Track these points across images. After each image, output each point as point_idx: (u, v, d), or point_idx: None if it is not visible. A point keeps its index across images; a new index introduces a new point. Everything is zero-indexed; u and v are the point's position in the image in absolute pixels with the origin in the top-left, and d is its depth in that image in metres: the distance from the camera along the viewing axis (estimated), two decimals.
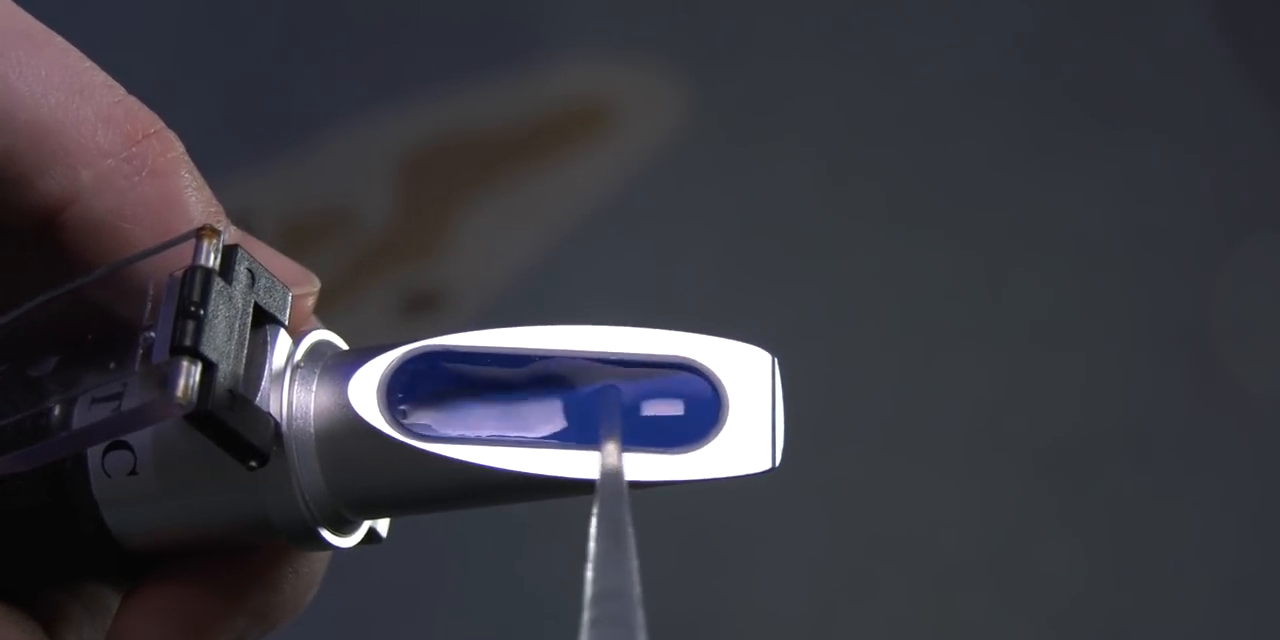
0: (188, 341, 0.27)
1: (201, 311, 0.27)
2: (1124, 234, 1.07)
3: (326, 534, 0.30)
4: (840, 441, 0.99)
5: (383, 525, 0.32)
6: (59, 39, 0.30)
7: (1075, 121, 1.10)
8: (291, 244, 1.03)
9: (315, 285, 0.32)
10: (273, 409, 0.29)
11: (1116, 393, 1.02)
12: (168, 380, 0.27)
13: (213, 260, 0.28)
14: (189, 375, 0.27)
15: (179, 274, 0.28)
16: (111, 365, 0.30)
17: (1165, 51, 1.12)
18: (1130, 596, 0.98)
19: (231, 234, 0.31)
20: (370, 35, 1.11)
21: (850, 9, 1.12)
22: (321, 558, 0.32)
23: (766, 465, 0.29)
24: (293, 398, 0.29)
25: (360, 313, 1.00)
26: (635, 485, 0.28)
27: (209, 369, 0.27)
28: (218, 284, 0.28)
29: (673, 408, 0.30)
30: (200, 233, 0.28)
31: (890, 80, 1.10)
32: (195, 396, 0.27)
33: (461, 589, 0.96)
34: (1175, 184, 1.08)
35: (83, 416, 0.30)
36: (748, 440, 0.29)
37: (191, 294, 0.27)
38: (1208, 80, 1.11)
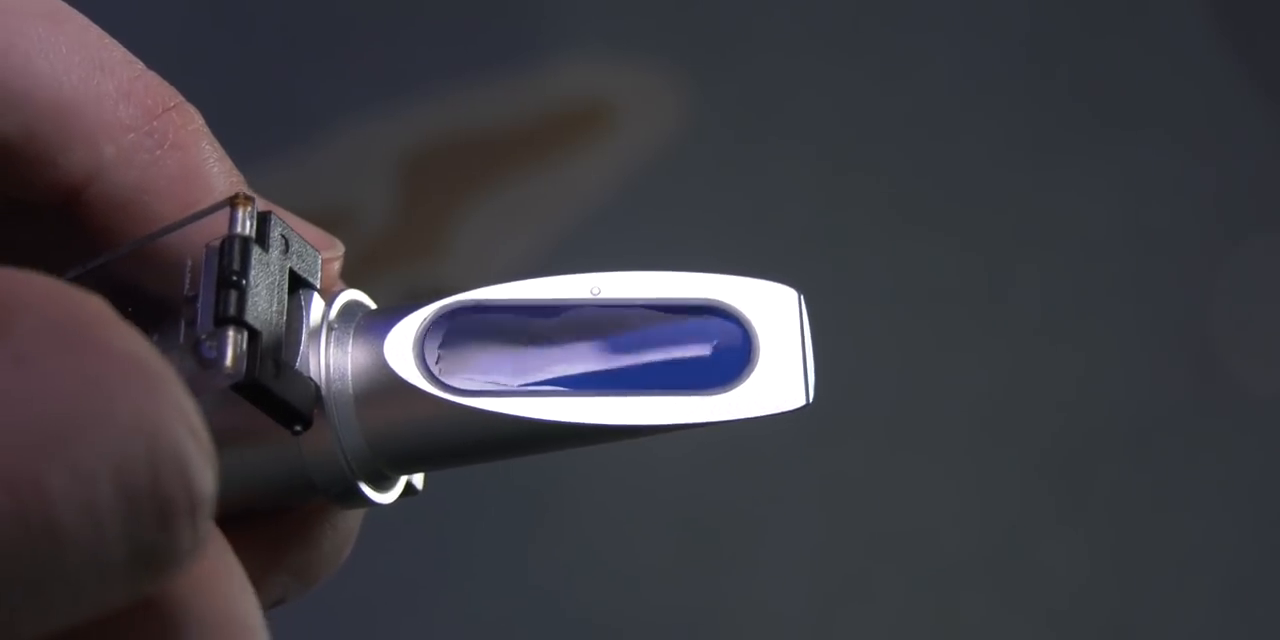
0: (232, 311, 0.27)
1: (243, 280, 0.27)
2: (1124, 234, 1.07)
3: (368, 491, 0.30)
4: (840, 439, 0.99)
5: (419, 479, 0.32)
6: (79, 16, 0.30)
7: (1076, 121, 1.10)
8: None
9: (340, 249, 0.33)
10: (311, 371, 0.29)
11: (1117, 392, 1.02)
12: (216, 350, 0.27)
13: (249, 228, 0.28)
14: (236, 345, 0.27)
15: (216, 244, 0.28)
16: (153, 338, 0.30)
17: (1165, 51, 1.12)
18: (1130, 596, 0.98)
19: (260, 200, 0.31)
20: (370, 35, 1.11)
21: (850, 8, 1.12)
22: (357, 514, 0.32)
23: (801, 402, 0.30)
24: (329, 359, 0.30)
25: None
26: (671, 429, 0.29)
27: (254, 338, 0.27)
28: (256, 252, 0.28)
29: (703, 350, 0.30)
30: (234, 201, 0.28)
31: (890, 80, 1.10)
32: (244, 366, 0.27)
33: (465, 583, 0.96)
34: (1175, 184, 1.08)
35: None
36: (780, 378, 0.30)
37: (232, 263, 0.27)
38: (1208, 80, 1.11)
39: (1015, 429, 1.01)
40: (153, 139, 0.30)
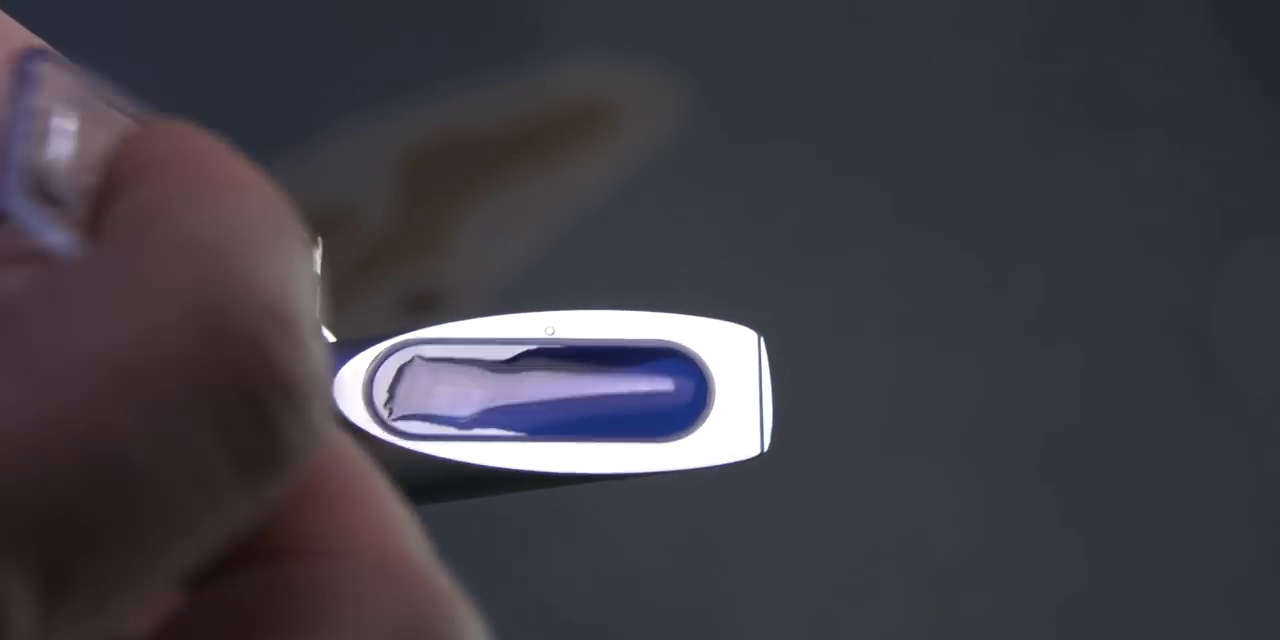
0: None
1: None
2: (1124, 234, 1.07)
3: None
4: (840, 440, 0.99)
5: None
6: (51, 51, 0.29)
7: (1075, 121, 1.10)
8: None
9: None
10: None
11: (1117, 392, 1.02)
12: None
13: None
14: None
15: None
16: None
17: (1165, 52, 1.12)
18: (1130, 596, 0.98)
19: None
20: (370, 35, 1.11)
21: (850, 9, 1.12)
22: None
23: (755, 451, 0.29)
24: None
25: (360, 312, 1.00)
26: (623, 478, 0.28)
27: None
28: None
29: (658, 395, 0.29)
30: None
31: (890, 80, 1.10)
32: None
33: (463, 588, 0.96)
34: (1175, 184, 1.08)
35: None
36: (736, 426, 0.29)
37: None
38: (1208, 80, 1.11)
39: (1015, 429, 1.01)
40: None
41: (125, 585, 0.17)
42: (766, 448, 0.29)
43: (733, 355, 0.29)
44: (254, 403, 0.17)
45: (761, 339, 0.29)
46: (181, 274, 0.17)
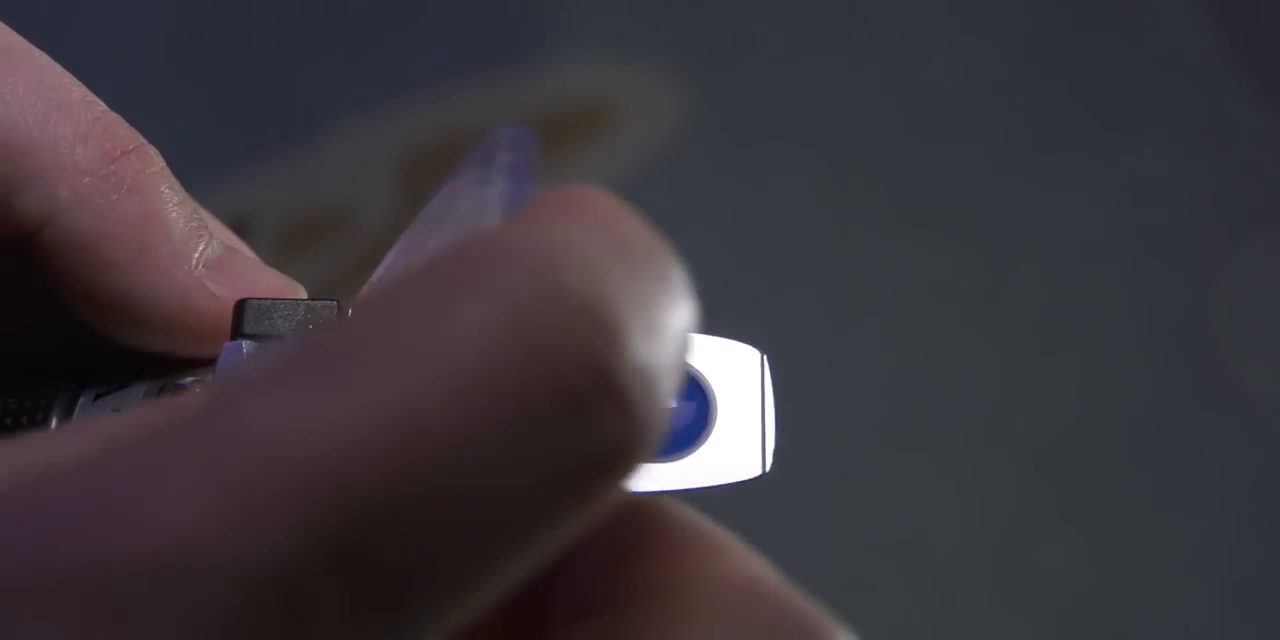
0: None
1: None
2: (1124, 234, 1.07)
3: None
4: (840, 441, 0.99)
5: None
6: (38, 54, 0.30)
7: (1075, 122, 1.10)
8: (291, 244, 1.03)
9: (302, 294, 0.32)
10: None
11: (1117, 392, 1.02)
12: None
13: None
14: None
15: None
16: (115, 390, 0.30)
17: (1165, 52, 1.12)
18: (1130, 596, 0.98)
19: (220, 244, 0.31)
20: (370, 35, 1.11)
21: (850, 10, 1.12)
22: None
23: (756, 471, 0.29)
24: None
25: None
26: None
27: None
28: None
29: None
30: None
31: (890, 81, 1.10)
32: None
33: None
34: (1175, 184, 1.08)
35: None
36: (737, 445, 0.29)
37: None
38: (1208, 80, 1.11)
39: (1015, 429, 1.01)
40: (109, 183, 0.29)
41: (454, 597, 0.17)
42: (768, 468, 0.29)
43: (735, 374, 0.29)
44: (578, 405, 0.17)
45: (765, 358, 0.29)
46: (507, 280, 0.18)
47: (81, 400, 0.30)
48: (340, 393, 0.16)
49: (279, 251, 1.02)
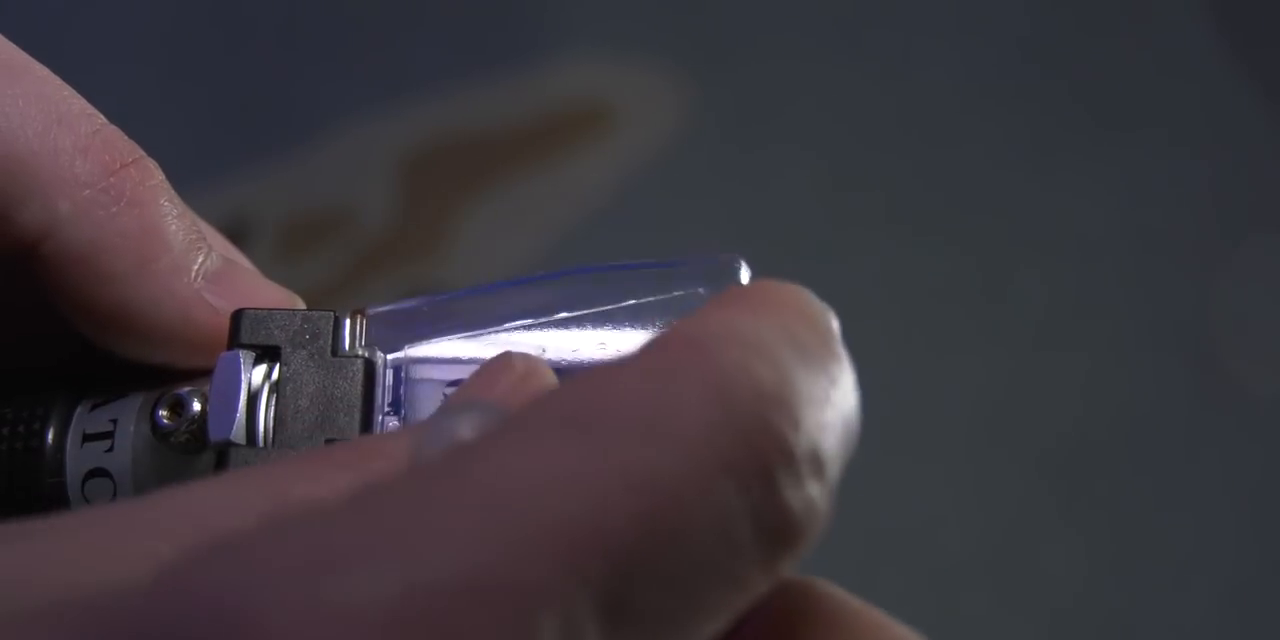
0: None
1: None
2: (1124, 234, 1.07)
3: None
4: None
5: None
6: (38, 67, 0.30)
7: (1075, 122, 1.10)
8: (291, 244, 1.03)
9: (300, 306, 0.32)
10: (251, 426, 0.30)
11: (1117, 393, 1.02)
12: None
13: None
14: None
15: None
16: (114, 400, 0.30)
17: (1165, 52, 1.12)
18: (1130, 596, 0.98)
19: (219, 256, 0.31)
20: (370, 35, 1.11)
21: (850, 11, 1.12)
22: None
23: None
24: (269, 414, 0.30)
25: None
26: None
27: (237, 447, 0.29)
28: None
29: None
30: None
31: (890, 82, 1.10)
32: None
33: None
34: (1175, 184, 1.08)
35: (74, 452, 0.30)
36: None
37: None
38: (1208, 80, 1.11)
39: (1015, 429, 1.01)
40: (109, 195, 0.29)
41: (676, 635, 0.19)
42: None
43: None
44: (767, 476, 0.20)
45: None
46: (712, 366, 0.21)
47: (79, 410, 0.31)
48: (592, 453, 0.19)
49: (279, 251, 1.02)
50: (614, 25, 1.11)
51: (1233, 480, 1.01)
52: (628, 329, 0.31)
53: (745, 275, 0.29)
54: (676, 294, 0.30)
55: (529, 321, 0.30)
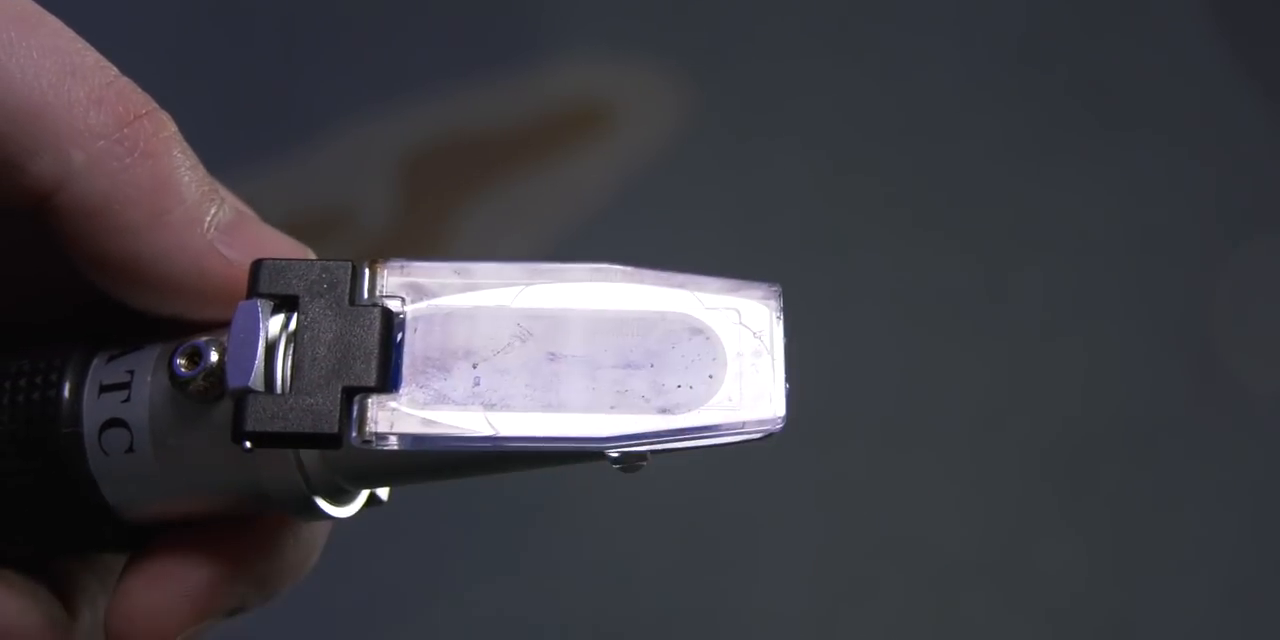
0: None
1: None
2: (1124, 234, 1.07)
3: (325, 505, 0.31)
4: (840, 440, 0.99)
5: (383, 491, 0.32)
6: (52, 19, 0.30)
7: (1075, 121, 1.10)
8: None
9: (313, 257, 0.32)
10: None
11: (1117, 392, 1.02)
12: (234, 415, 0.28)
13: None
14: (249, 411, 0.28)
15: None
16: (129, 350, 0.30)
17: (1165, 52, 1.12)
18: (1130, 596, 0.98)
19: (231, 208, 0.31)
20: (370, 35, 1.11)
21: (851, 9, 1.12)
22: (322, 526, 0.33)
23: (778, 413, 0.29)
24: (287, 362, 0.29)
25: None
26: (641, 457, 0.29)
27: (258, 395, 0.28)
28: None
29: (671, 367, 0.30)
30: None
31: (890, 80, 1.10)
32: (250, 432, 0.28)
33: (461, 588, 0.96)
34: (1175, 184, 1.08)
35: (91, 403, 0.30)
36: (751, 399, 0.29)
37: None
38: (1208, 80, 1.11)
39: (1015, 429, 1.01)
40: (123, 146, 0.29)
41: None
42: (784, 414, 0.29)
43: (747, 322, 0.31)
44: None
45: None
46: None
47: (95, 362, 0.31)
48: None
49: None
50: (614, 25, 1.11)
51: (1233, 479, 1.01)
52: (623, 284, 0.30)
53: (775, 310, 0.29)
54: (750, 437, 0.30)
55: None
